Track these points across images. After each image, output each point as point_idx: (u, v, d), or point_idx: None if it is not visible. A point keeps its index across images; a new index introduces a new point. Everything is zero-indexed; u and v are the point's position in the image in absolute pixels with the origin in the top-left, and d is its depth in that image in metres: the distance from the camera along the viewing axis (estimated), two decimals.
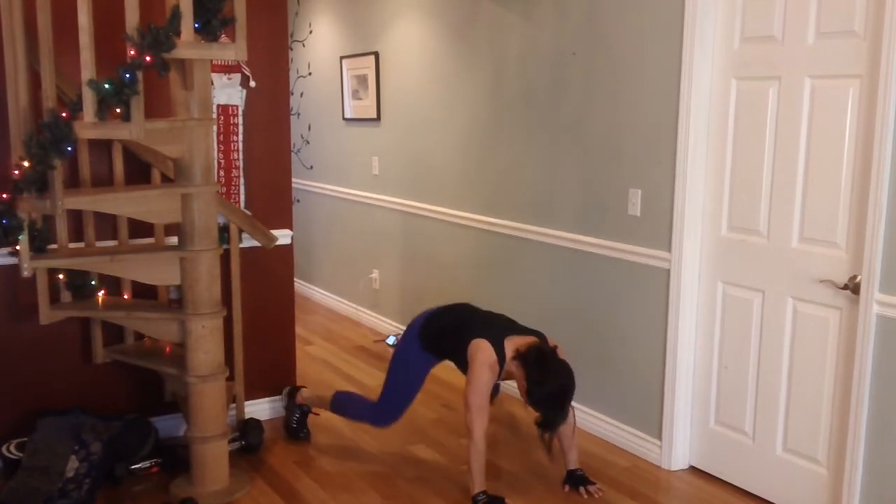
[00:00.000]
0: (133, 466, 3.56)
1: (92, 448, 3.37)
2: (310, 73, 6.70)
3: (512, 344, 3.30)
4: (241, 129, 3.98)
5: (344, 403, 3.87)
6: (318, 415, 4.07)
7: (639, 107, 3.68)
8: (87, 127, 2.88)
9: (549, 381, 3.18)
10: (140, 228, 3.66)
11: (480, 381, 3.26)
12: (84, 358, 3.75)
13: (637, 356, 3.83)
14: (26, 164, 2.95)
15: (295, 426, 4.00)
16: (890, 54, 2.74)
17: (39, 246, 3.29)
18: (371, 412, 3.74)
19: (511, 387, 4.12)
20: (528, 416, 4.02)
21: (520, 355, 3.24)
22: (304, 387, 4.14)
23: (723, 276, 3.49)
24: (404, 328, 3.70)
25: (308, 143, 6.84)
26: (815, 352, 3.15)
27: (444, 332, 3.52)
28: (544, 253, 4.31)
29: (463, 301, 3.79)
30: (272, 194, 4.13)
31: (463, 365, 3.38)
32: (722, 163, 3.44)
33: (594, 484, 3.49)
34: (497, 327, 3.40)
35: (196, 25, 2.99)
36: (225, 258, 3.80)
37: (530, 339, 3.32)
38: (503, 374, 3.35)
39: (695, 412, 3.68)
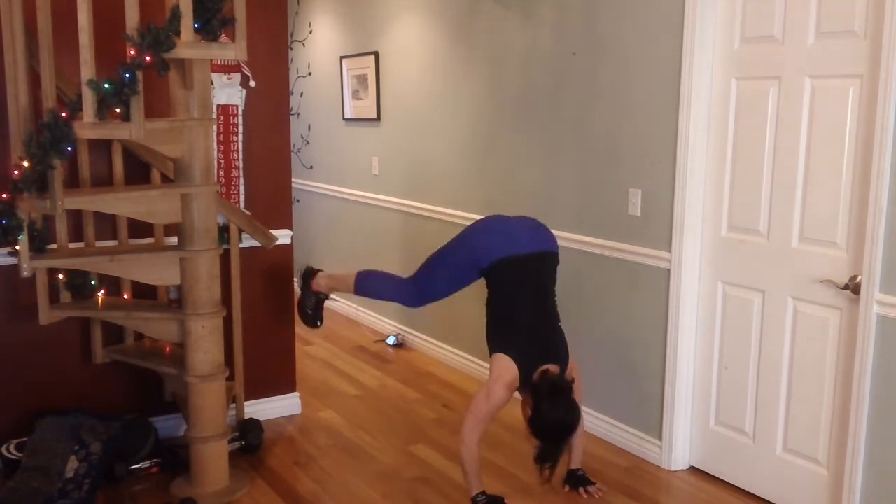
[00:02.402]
0: (133, 467, 3.56)
1: (92, 448, 3.37)
2: (310, 73, 6.70)
3: (540, 373, 3.21)
4: (240, 129, 3.98)
5: (371, 283, 3.63)
6: (334, 300, 3.70)
7: (639, 107, 3.68)
8: (87, 127, 2.88)
9: (553, 415, 3.12)
10: (140, 228, 3.65)
11: (496, 397, 3.19)
12: (84, 358, 3.75)
13: (637, 356, 3.83)
14: (26, 163, 2.95)
15: (311, 313, 3.77)
16: (890, 54, 2.74)
17: (39, 246, 3.29)
18: (402, 290, 3.54)
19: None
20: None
21: (533, 384, 3.19)
22: (320, 270, 3.82)
23: (723, 276, 3.49)
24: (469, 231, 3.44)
25: (308, 143, 6.84)
26: (816, 352, 3.15)
27: (505, 287, 3.30)
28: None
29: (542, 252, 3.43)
30: (272, 194, 4.13)
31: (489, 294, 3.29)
32: (722, 163, 3.44)
33: (594, 484, 3.49)
34: (536, 350, 3.24)
35: (196, 25, 2.99)
36: (225, 258, 3.79)
37: (548, 368, 3.22)
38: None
39: (695, 412, 3.68)
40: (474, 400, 3.24)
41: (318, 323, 3.79)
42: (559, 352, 3.33)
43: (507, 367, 3.22)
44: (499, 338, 3.31)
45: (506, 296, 3.32)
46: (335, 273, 3.82)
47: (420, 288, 3.52)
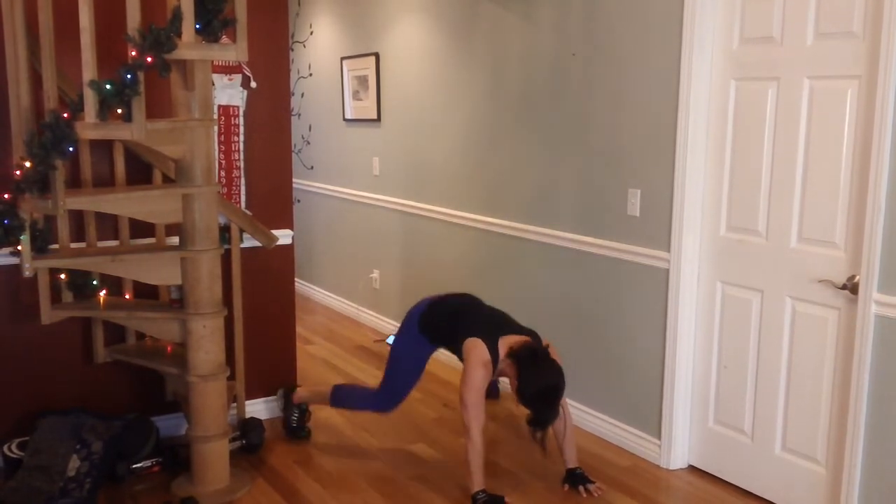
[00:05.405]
0: (134, 466, 3.57)
1: (93, 447, 3.38)
2: (310, 74, 6.71)
3: (505, 343, 3.33)
4: (241, 129, 3.99)
5: (344, 396, 3.93)
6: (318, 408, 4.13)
7: (638, 107, 3.69)
8: (89, 127, 2.89)
9: (539, 379, 3.21)
10: (141, 228, 3.66)
11: (475, 378, 3.28)
12: (85, 358, 3.76)
13: (636, 356, 3.84)
14: (28, 164, 2.96)
15: (295, 426, 4.02)
16: (888, 55, 2.75)
17: (41, 246, 3.30)
18: (373, 400, 3.80)
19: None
20: (525, 414, 4.04)
21: (512, 354, 3.27)
22: (298, 386, 4.18)
23: (722, 275, 3.50)
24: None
25: (309, 143, 6.85)
26: (814, 351, 3.16)
27: (441, 322, 3.57)
28: (544, 253, 4.32)
29: (465, 292, 3.84)
30: (273, 194, 4.14)
31: (459, 355, 3.43)
32: (721, 163, 3.45)
33: (593, 483, 3.50)
34: (492, 326, 3.43)
35: (197, 26, 3.00)
36: (226, 258, 3.80)
37: (523, 338, 3.35)
38: (497, 373, 3.37)
39: (694, 411, 3.69)
40: (459, 393, 3.33)
41: (303, 433, 4.03)
42: (517, 325, 3.48)
43: (471, 344, 3.34)
44: (457, 333, 3.43)
45: (447, 316, 3.56)
46: (312, 388, 4.17)
47: (391, 389, 3.74)
